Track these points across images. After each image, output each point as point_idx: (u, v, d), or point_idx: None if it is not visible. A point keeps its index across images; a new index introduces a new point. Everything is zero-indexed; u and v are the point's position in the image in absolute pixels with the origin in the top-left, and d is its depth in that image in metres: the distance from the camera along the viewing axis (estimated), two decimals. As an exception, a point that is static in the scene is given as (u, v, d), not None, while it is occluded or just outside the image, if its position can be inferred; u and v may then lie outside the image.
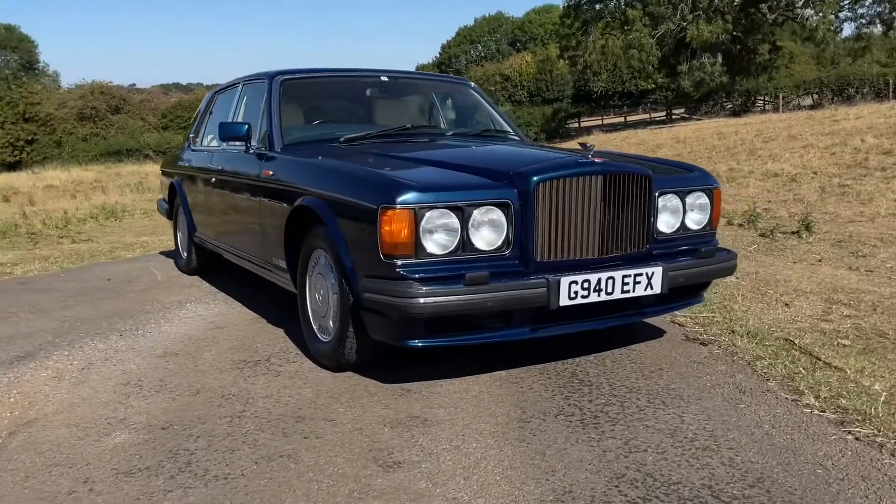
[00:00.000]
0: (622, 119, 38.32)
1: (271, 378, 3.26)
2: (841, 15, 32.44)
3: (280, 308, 4.47)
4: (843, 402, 2.84)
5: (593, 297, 2.99)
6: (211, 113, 5.36)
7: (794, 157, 13.32)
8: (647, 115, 39.46)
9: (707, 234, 3.51)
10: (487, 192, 2.92)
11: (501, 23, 67.88)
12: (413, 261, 2.80)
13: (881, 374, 3.17)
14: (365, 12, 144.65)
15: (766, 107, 32.99)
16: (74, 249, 8.23)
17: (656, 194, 3.27)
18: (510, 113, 36.62)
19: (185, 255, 5.78)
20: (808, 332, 3.81)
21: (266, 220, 3.85)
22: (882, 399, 2.85)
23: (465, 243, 2.87)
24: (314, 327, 3.45)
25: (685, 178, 3.47)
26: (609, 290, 3.02)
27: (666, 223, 3.35)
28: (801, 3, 31.63)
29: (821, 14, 30.54)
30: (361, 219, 2.93)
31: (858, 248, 6.43)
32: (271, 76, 4.28)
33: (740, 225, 8.07)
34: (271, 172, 3.77)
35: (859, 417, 2.70)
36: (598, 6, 34.51)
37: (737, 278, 5.14)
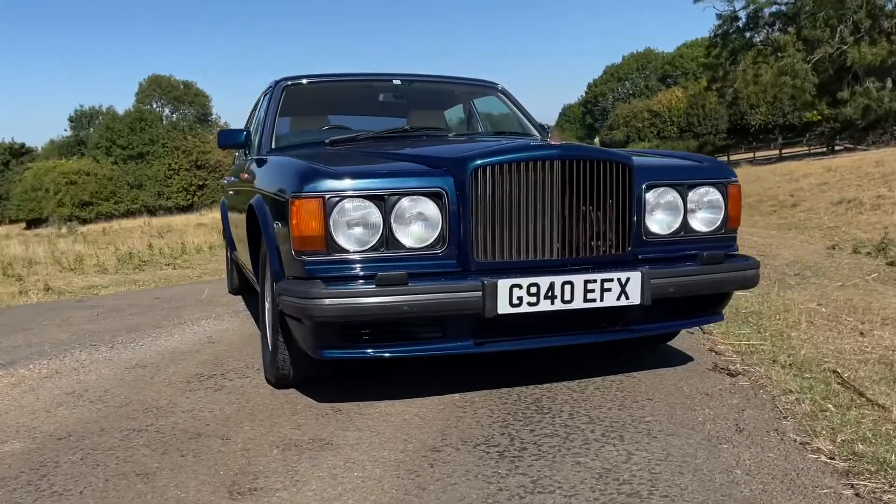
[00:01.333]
0: (777, 152, 35.76)
1: (210, 393, 2.98)
2: None
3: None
4: (862, 447, 2.15)
5: (545, 306, 2.48)
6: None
7: (958, 181, 11.68)
8: (805, 148, 36.62)
9: (722, 237, 2.88)
10: (416, 179, 2.51)
11: (650, 59, 66.17)
12: (323, 258, 2.43)
13: (938, 415, 2.41)
14: (509, 53, 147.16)
15: (947, 134, 29.58)
16: (168, 275, 8.51)
17: (643, 187, 2.71)
18: (655, 147, 35.26)
19: (228, 274, 5.71)
20: (869, 364, 3.05)
21: (242, 225, 3.63)
22: (915, 446, 2.13)
23: (389, 239, 2.47)
24: (268, 339, 3.14)
25: (688, 169, 2.88)
26: (567, 297, 2.49)
27: (660, 222, 2.78)
28: (985, 19, 28.30)
29: None
30: (282, 212, 2.61)
31: None
32: (277, 81, 4.10)
33: (868, 254, 7.00)
34: (246, 175, 3.56)
35: (873, 467, 2.02)
36: (747, 34, 32.66)
37: (818, 304, 4.32)
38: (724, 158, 35.87)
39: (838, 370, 2.92)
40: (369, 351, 2.52)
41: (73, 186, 51.71)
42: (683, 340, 3.61)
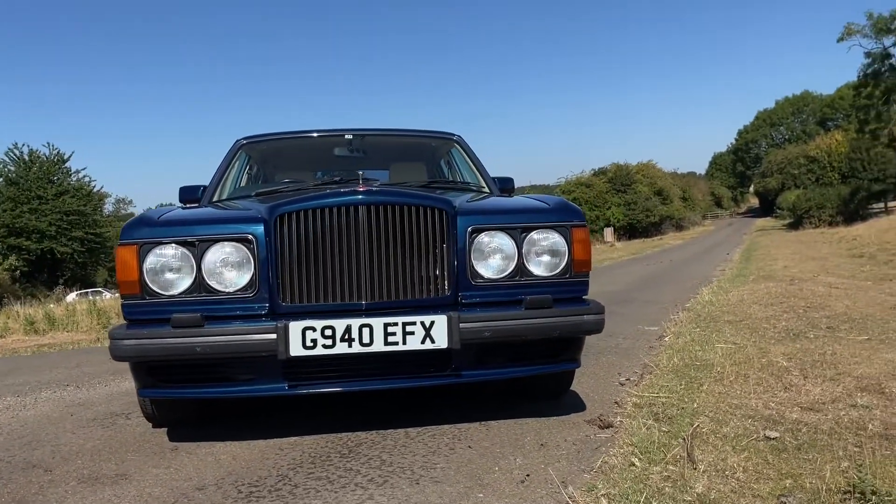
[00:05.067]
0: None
1: (97, 430, 3.21)
2: None
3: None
4: (605, 503, 2.00)
5: (342, 349, 2.50)
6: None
7: None
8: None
9: (567, 281, 2.77)
10: (226, 226, 2.64)
11: (808, 102, 62.63)
12: (138, 301, 2.60)
13: (741, 476, 2.18)
14: (652, 104, 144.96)
15: None
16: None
17: (468, 230, 2.68)
18: (801, 196, 33.09)
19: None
20: (749, 420, 2.78)
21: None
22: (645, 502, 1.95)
23: (202, 284, 2.60)
24: None
25: (522, 212, 2.81)
26: (366, 340, 2.51)
27: (490, 266, 2.72)
28: None
29: None
30: (126, 261, 2.82)
31: None
32: (237, 140, 4.40)
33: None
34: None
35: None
36: (902, 71, 30.23)
37: (787, 358, 3.95)
38: (882, 205, 33.02)
39: (699, 425, 2.69)
40: (182, 391, 2.64)
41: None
42: (605, 391, 3.46)
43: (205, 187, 4.28)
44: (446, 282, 2.64)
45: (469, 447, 2.63)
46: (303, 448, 2.71)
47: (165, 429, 3.11)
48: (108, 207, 58.26)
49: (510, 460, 2.47)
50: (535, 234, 2.75)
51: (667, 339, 4.98)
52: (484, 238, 2.71)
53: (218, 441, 2.86)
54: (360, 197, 2.57)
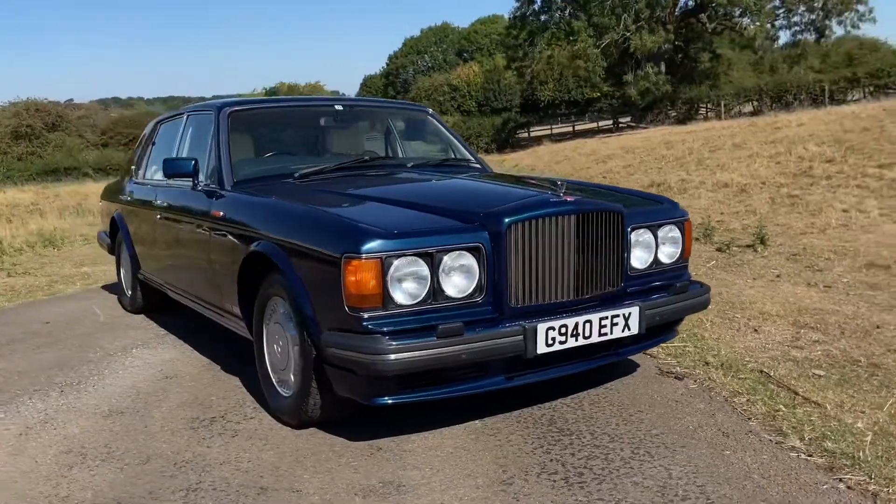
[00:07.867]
0: (570, 129, 38.70)
1: (228, 439, 3.03)
2: (777, 23, 33.32)
3: (233, 352, 4.22)
4: (829, 444, 2.75)
5: (571, 343, 2.85)
6: (154, 144, 5.08)
7: (741, 166, 13.44)
8: (594, 125, 39.98)
9: (680, 267, 3.41)
10: (458, 236, 2.75)
11: (447, 33, 68.01)
12: (380, 313, 2.61)
13: (861, 408, 3.10)
14: (303, 25, 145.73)
15: (709, 114, 33.65)
16: (9, 284, 7.77)
17: (629, 229, 3.15)
18: (459, 124, 36.63)
19: (129, 292, 5.47)
20: (781, 362, 3.74)
21: (217, 264, 3.61)
22: (868, 440, 2.76)
23: (436, 291, 2.70)
24: (273, 380, 3.22)
25: (656, 211, 3.36)
26: (587, 334, 2.88)
27: (639, 259, 3.24)
28: (738, 13, 32.36)
29: (757, 23, 31.34)
30: (323, 268, 2.73)
31: (813, 261, 6.45)
32: (219, 107, 4.05)
33: (696, 239, 8.05)
34: (221, 213, 3.54)
35: (848, 462, 2.61)
36: (543, 17, 34.80)
37: (702, 301, 5.06)
38: (525, 134, 38.15)
39: (764, 370, 3.57)
40: (419, 395, 2.74)
41: None
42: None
43: (195, 161, 3.94)
44: (620, 275, 3.09)
45: (639, 411, 3.16)
46: (506, 430, 2.99)
47: (313, 430, 3.07)
48: None
49: (681, 420, 3.08)
50: (665, 229, 3.31)
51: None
52: (637, 234, 3.21)
53: (402, 435, 2.98)
54: (573, 206, 2.88)
